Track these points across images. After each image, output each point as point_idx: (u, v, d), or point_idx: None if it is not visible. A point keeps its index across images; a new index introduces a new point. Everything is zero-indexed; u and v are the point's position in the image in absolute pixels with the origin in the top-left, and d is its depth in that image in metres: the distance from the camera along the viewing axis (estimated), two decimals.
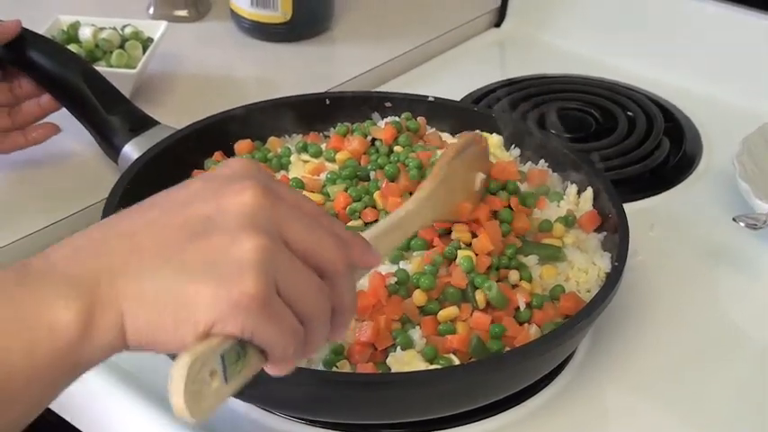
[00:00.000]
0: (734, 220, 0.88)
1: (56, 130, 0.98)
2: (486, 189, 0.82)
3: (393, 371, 0.69)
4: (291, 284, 0.53)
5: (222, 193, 0.53)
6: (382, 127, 0.91)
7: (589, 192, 0.85)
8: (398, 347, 0.70)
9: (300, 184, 0.85)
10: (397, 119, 0.92)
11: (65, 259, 0.51)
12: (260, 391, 0.69)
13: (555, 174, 0.89)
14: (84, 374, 0.51)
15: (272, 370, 0.55)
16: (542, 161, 0.90)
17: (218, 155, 0.89)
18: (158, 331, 0.51)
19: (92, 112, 0.95)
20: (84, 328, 0.49)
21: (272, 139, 0.93)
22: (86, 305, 0.49)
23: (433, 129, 0.94)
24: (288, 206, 0.54)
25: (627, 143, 1.05)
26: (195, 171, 0.88)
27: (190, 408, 0.50)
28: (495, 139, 0.91)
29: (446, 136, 0.93)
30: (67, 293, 0.49)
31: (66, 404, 0.81)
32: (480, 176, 0.80)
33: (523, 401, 0.74)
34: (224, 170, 0.56)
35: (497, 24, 1.31)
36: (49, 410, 0.81)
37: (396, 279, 0.74)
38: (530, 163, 0.90)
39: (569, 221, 0.82)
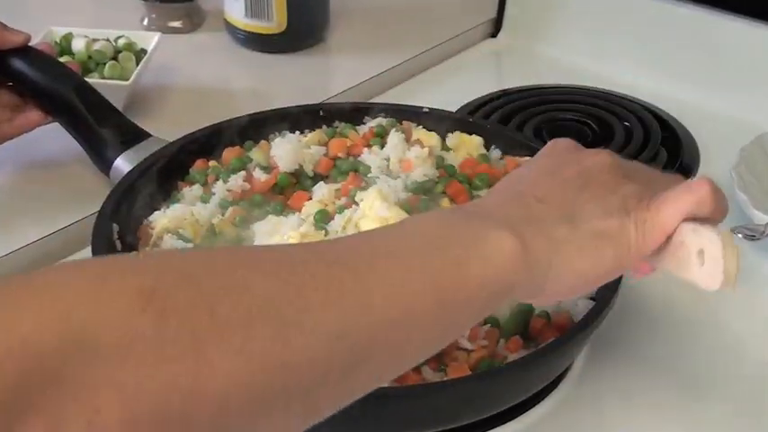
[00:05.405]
0: (732, 231, 0.87)
1: (44, 118, 0.96)
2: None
3: None
4: None
5: (579, 158, 0.63)
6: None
7: None
8: None
9: None
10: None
11: (496, 207, 0.58)
12: None
13: None
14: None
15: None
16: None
17: (200, 162, 0.88)
18: (598, 265, 0.58)
19: (83, 126, 0.94)
20: (518, 260, 0.54)
21: None
22: (520, 242, 0.54)
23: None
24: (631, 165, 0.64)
25: (624, 153, 1.04)
26: (182, 183, 0.87)
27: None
28: (475, 140, 0.91)
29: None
30: (505, 230, 0.54)
31: None
32: None
33: (518, 417, 0.73)
34: (558, 145, 0.65)
35: (493, 35, 1.31)
36: None
37: None
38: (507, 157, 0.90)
39: None
